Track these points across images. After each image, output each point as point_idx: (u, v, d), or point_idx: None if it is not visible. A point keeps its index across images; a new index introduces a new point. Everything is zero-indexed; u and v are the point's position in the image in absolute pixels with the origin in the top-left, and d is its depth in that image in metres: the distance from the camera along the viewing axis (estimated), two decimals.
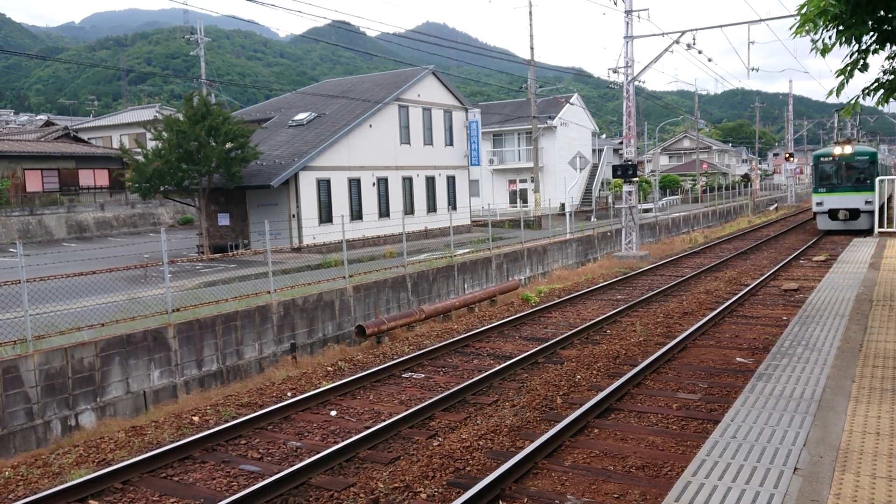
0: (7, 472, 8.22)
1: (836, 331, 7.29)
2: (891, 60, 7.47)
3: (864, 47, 7.04)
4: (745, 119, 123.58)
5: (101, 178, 38.80)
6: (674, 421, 8.82)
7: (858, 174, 29.87)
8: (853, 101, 7.49)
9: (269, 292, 14.00)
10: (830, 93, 7.40)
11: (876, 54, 7.15)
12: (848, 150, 30.02)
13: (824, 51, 7.01)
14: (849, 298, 9.03)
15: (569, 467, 7.50)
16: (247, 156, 24.07)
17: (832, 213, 30.27)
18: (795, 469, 4.02)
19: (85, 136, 45.58)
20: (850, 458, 4.14)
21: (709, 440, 4.52)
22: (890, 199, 27.27)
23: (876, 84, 7.48)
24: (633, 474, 7.28)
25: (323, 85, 39.23)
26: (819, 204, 30.68)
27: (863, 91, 7.56)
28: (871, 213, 27.55)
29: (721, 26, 24.11)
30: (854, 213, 29.75)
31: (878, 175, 28.05)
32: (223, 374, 12.66)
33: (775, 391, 5.43)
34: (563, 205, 38.01)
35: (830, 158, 30.44)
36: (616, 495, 6.85)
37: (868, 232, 26.98)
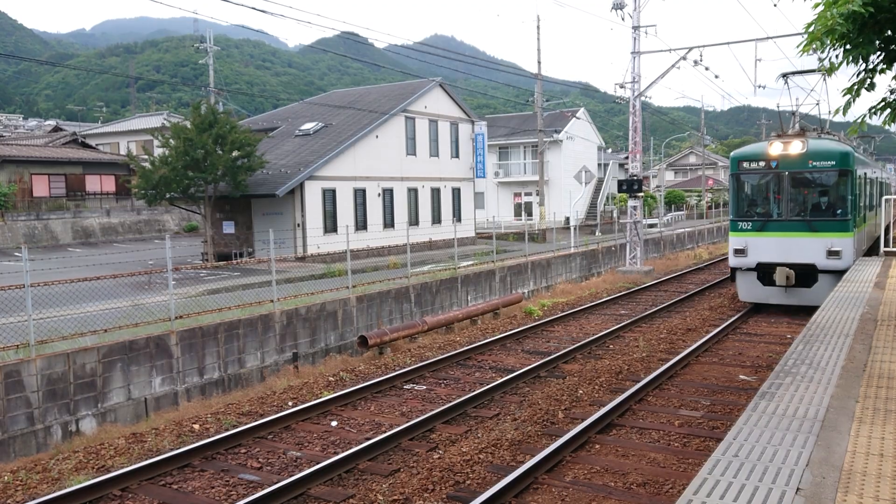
0: (6, 477, 8.21)
1: (841, 350, 7.25)
2: None
3: (871, 66, 7.04)
4: (752, 136, 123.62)
5: (108, 184, 38.97)
6: (676, 438, 8.78)
7: (818, 195, 16.57)
8: (860, 120, 7.48)
9: (272, 301, 14.00)
10: (837, 111, 7.40)
11: (883, 74, 7.15)
12: (797, 147, 15.92)
13: (831, 69, 7.02)
14: (853, 318, 8.99)
15: (569, 483, 7.46)
16: (253, 164, 24.16)
17: (764, 272, 16.47)
18: (798, 489, 3.98)
19: (93, 142, 45.82)
20: (852, 480, 4.10)
21: (711, 458, 4.48)
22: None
23: (883, 103, 7.48)
24: (633, 491, 7.23)
25: (330, 95, 39.40)
26: (739, 252, 16.69)
27: (869, 110, 7.55)
28: (839, 274, 14.77)
29: (728, 43, 24.15)
30: (806, 275, 15.98)
31: (856, 195, 16.42)
32: (224, 382, 12.64)
33: (778, 410, 5.39)
34: (567, 218, 38.01)
35: (763, 165, 16.43)
36: None
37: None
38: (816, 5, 6.66)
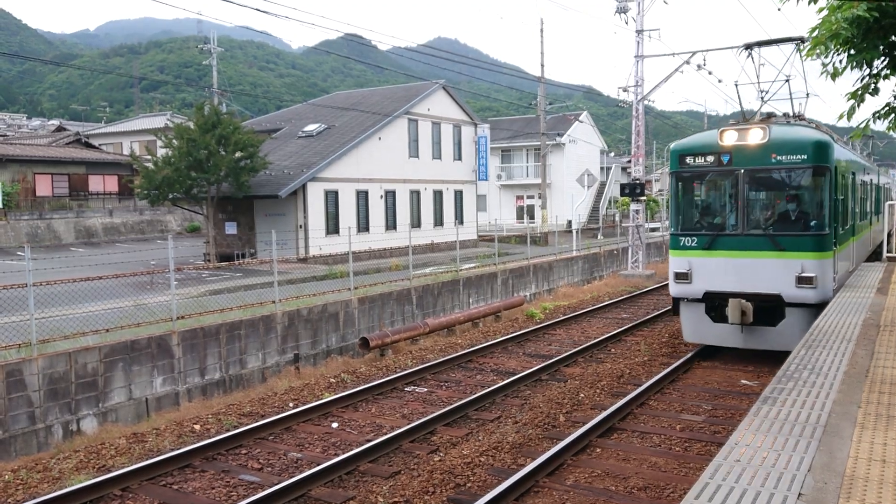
0: (7, 476, 8.22)
1: (843, 355, 7.23)
2: None
3: (875, 72, 7.04)
4: None
5: (111, 184, 39.02)
6: (677, 442, 8.76)
7: (785, 201, 12.27)
8: (863, 125, 7.48)
9: (273, 302, 14.00)
10: (841, 116, 7.39)
11: (887, 79, 7.15)
12: (756, 136, 11.75)
13: (835, 74, 7.02)
14: (856, 323, 8.97)
15: (570, 486, 7.45)
16: (256, 165, 24.18)
17: (715, 304, 12.36)
18: (800, 495, 3.97)
19: (96, 143, 45.90)
20: (855, 485, 4.09)
21: (712, 463, 4.47)
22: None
23: (887, 109, 7.47)
24: (634, 495, 7.21)
25: (334, 97, 39.45)
26: (681, 277, 12.55)
27: (873, 115, 7.54)
28: (814, 308, 11.36)
29: (732, 48, 24.12)
30: (769, 309, 11.87)
31: (838, 201, 12.20)
32: (226, 382, 12.64)
33: (780, 415, 5.38)
34: (569, 222, 38.02)
35: (712, 160, 12.25)
36: None
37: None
38: (821, 10, 6.67)
